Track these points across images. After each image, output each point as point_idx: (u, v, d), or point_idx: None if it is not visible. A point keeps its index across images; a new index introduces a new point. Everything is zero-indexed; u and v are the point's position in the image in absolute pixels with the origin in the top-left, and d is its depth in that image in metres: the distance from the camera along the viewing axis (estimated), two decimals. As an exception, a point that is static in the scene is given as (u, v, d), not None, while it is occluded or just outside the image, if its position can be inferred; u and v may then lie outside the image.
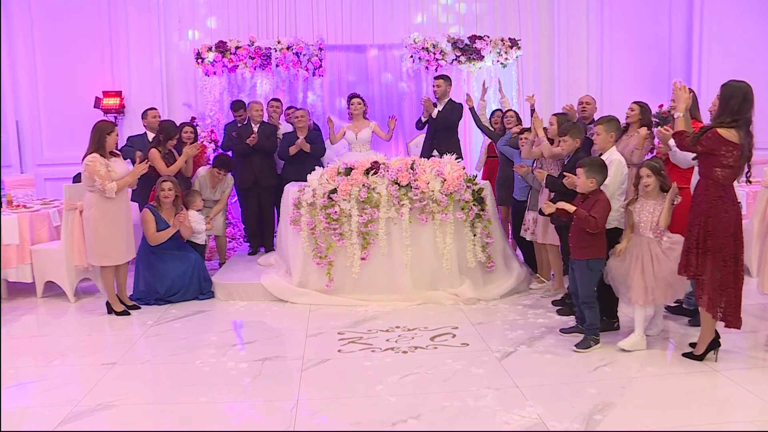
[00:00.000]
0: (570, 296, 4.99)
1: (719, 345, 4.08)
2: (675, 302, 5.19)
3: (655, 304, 4.36)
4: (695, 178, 4.16)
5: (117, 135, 5.33)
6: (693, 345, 4.19)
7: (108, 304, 5.43)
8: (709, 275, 3.89)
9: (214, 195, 6.62)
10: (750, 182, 4.32)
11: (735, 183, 4.01)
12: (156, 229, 5.61)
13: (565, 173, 4.62)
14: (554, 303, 5.36)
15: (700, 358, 4.06)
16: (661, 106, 7.95)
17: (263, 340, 4.69)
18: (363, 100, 7.29)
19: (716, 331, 4.07)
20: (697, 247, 3.90)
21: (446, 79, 7.11)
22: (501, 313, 5.26)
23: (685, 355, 4.14)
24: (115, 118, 8.45)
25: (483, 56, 8.16)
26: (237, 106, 7.38)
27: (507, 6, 9.12)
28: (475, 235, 5.65)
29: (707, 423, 3.24)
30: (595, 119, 5.70)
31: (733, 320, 3.94)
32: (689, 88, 4.84)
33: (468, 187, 5.63)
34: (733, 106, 3.81)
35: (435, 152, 6.74)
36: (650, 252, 4.22)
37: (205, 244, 6.39)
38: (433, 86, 7.12)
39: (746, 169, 3.96)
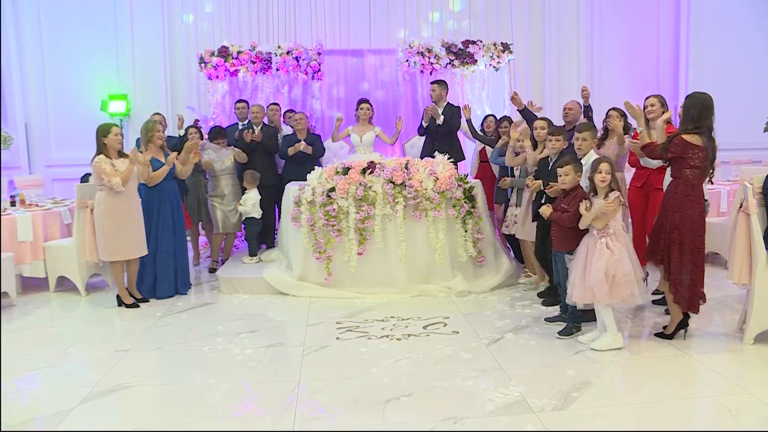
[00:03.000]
0: (552, 288, 5.36)
1: (687, 325, 4.51)
2: (658, 293, 5.51)
3: (596, 302, 4.30)
4: (667, 179, 4.57)
5: (118, 135, 5.55)
6: (665, 328, 4.61)
7: (118, 297, 5.71)
8: (674, 264, 4.30)
9: (223, 164, 7.02)
10: (711, 182, 4.68)
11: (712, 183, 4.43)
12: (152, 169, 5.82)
13: (551, 183, 4.90)
14: (539, 295, 5.66)
15: (670, 337, 4.47)
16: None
17: (266, 330, 4.99)
18: (371, 106, 7.60)
19: (685, 313, 4.49)
20: (667, 237, 4.31)
21: (441, 83, 7.35)
22: (490, 304, 5.56)
23: (657, 334, 4.55)
24: (121, 120, 8.74)
25: (476, 60, 8.46)
26: (240, 104, 7.70)
27: (500, 11, 9.43)
28: (466, 231, 5.95)
29: (671, 398, 3.54)
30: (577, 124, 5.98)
31: (689, 305, 4.36)
32: (660, 95, 5.21)
33: (459, 185, 5.93)
34: (693, 114, 4.27)
35: (437, 154, 7.01)
36: (590, 251, 4.29)
37: (261, 218, 6.91)
38: (430, 91, 7.41)
39: (711, 171, 4.38)
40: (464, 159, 7.19)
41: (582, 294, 4.27)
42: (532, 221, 5.50)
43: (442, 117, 7.20)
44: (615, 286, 4.19)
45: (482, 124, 7.38)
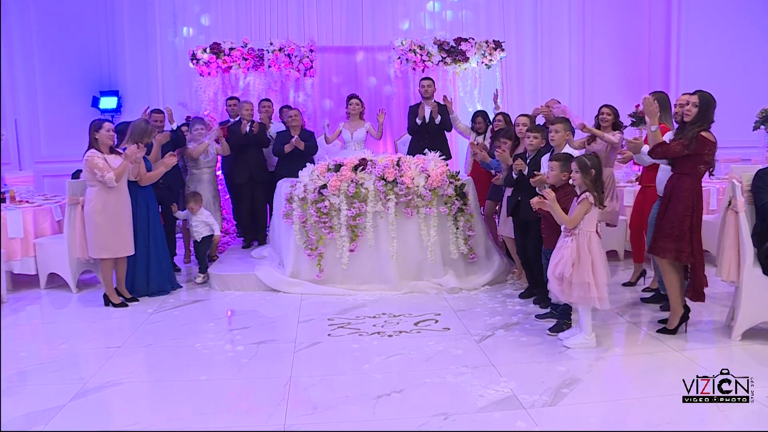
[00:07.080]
0: (531, 287, 5.54)
1: (688, 318, 4.59)
2: (652, 289, 5.54)
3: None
4: (660, 175, 4.65)
5: (110, 131, 5.51)
6: (662, 321, 4.69)
7: (105, 296, 5.66)
8: (699, 260, 4.40)
9: (207, 156, 7.02)
10: (712, 174, 4.74)
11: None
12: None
13: (534, 172, 4.94)
14: (521, 296, 5.65)
15: (674, 332, 4.53)
16: (637, 106, 8.27)
17: (258, 326, 4.99)
18: (361, 101, 7.57)
19: (686, 306, 4.56)
20: (690, 235, 4.37)
21: (432, 80, 7.50)
22: (481, 301, 5.58)
23: (659, 331, 4.59)
24: (112, 117, 8.71)
25: (468, 58, 8.47)
26: (231, 100, 7.69)
27: (491, 10, 9.44)
28: (457, 228, 5.97)
29: (660, 394, 3.57)
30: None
31: (698, 295, 4.47)
32: (662, 92, 5.24)
33: (451, 182, 5.95)
34: (711, 114, 4.36)
35: (426, 151, 7.02)
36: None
37: (212, 235, 6.51)
38: (422, 86, 7.43)
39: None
40: (451, 158, 7.25)
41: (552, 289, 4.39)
42: (507, 216, 5.55)
43: (431, 114, 7.30)
44: (568, 287, 4.21)
45: (472, 122, 7.39)
